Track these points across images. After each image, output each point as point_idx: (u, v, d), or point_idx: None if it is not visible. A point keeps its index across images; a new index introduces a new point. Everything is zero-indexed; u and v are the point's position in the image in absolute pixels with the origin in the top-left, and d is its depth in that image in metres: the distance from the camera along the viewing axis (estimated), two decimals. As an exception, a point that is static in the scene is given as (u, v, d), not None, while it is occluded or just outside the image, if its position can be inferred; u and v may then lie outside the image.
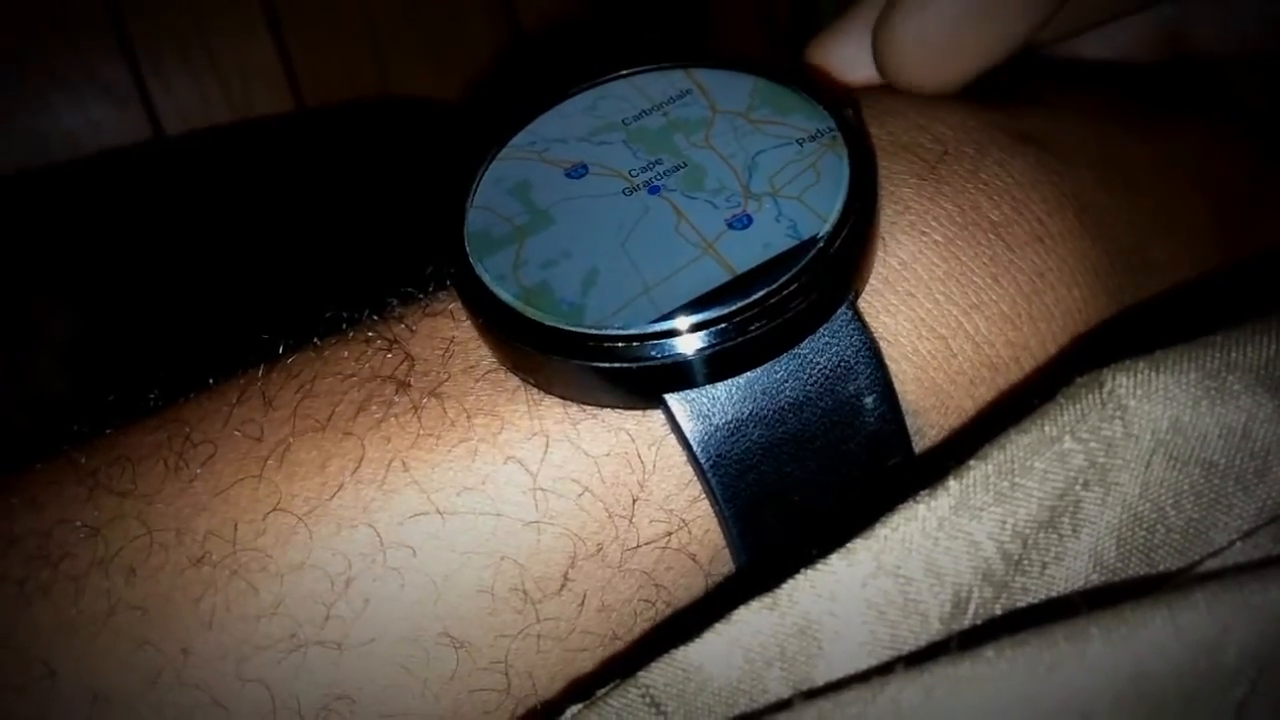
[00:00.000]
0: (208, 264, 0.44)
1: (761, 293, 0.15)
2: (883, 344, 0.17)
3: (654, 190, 0.17)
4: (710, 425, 0.16)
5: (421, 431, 0.16)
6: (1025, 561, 0.15)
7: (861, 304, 0.17)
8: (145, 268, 0.44)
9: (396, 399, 0.16)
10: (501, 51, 0.63)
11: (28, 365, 0.40)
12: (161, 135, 0.58)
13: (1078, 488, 0.15)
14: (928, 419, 0.17)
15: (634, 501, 0.16)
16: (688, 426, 0.16)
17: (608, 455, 0.16)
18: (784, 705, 0.14)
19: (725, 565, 0.17)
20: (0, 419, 0.38)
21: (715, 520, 0.17)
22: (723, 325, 0.15)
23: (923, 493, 0.15)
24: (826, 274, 0.16)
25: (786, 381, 0.16)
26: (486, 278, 0.16)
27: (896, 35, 0.20)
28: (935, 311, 0.17)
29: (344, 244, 0.42)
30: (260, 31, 0.59)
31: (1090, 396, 0.15)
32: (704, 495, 0.16)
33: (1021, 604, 0.15)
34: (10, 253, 0.45)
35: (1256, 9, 0.23)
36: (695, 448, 0.16)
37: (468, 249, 0.17)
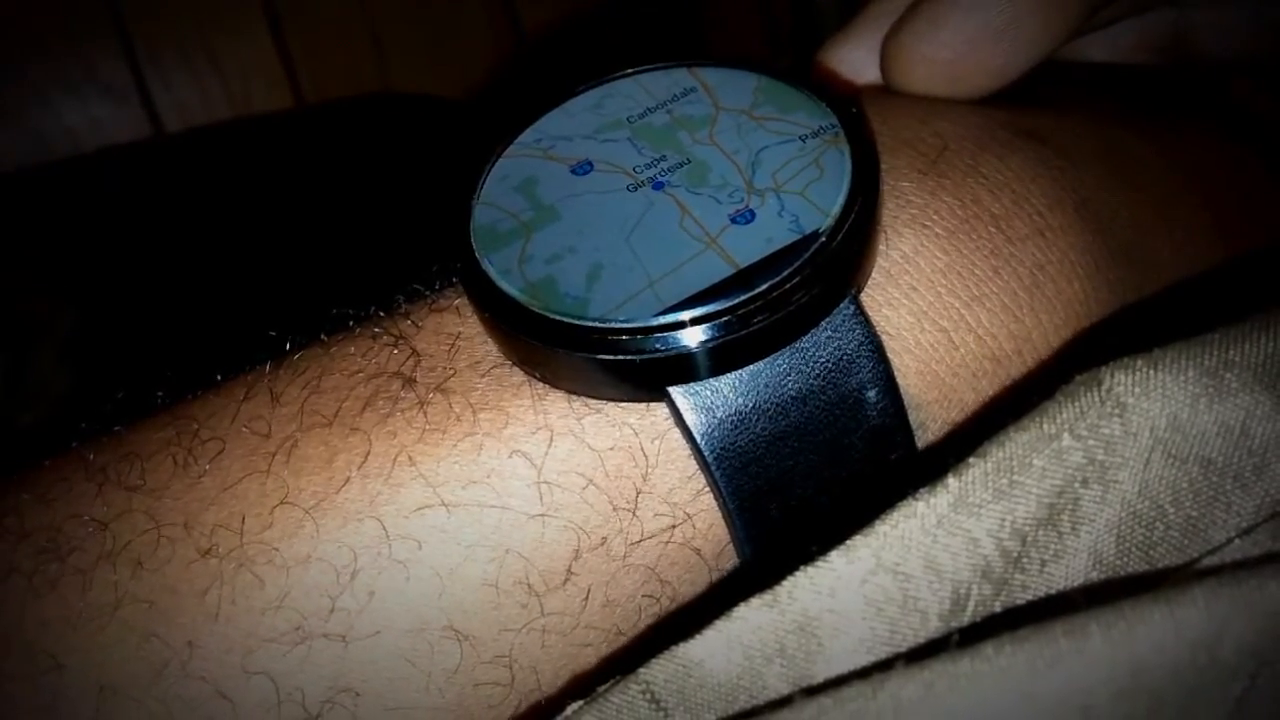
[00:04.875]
0: (209, 261, 0.44)
1: (764, 286, 0.16)
2: (885, 337, 0.17)
3: (658, 186, 0.17)
4: (713, 418, 0.16)
5: (427, 426, 0.16)
6: (1024, 559, 0.15)
7: (864, 297, 0.17)
8: (146, 265, 0.44)
9: (402, 394, 0.17)
10: (502, 50, 0.63)
11: (29, 362, 0.40)
12: (161, 133, 0.58)
13: (1077, 485, 0.15)
14: (930, 412, 0.17)
15: (637, 494, 0.16)
16: (691, 419, 0.16)
17: (612, 449, 0.16)
18: (784, 702, 0.14)
19: (729, 560, 0.17)
20: (2, 416, 0.38)
21: (719, 514, 0.17)
22: (726, 318, 0.15)
23: (922, 490, 0.15)
24: (829, 268, 0.16)
25: (789, 375, 0.16)
26: (492, 272, 0.17)
27: (905, 54, 0.20)
28: (937, 304, 0.17)
29: (348, 241, 0.42)
30: (260, 30, 0.59)
31: (1089, 394, 0.15)
32: (707, 488, 0.17)
33: (1021, 601, 0.15)
34: (11, 250, 0.45)
35: (1255, 13, 0.24)
36: (699, 440, 0.16)
37: (473, 244, 0.17)
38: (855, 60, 0.22)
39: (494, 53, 0.63)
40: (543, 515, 0.16)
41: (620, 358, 0.15)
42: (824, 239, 0.16)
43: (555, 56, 0.62)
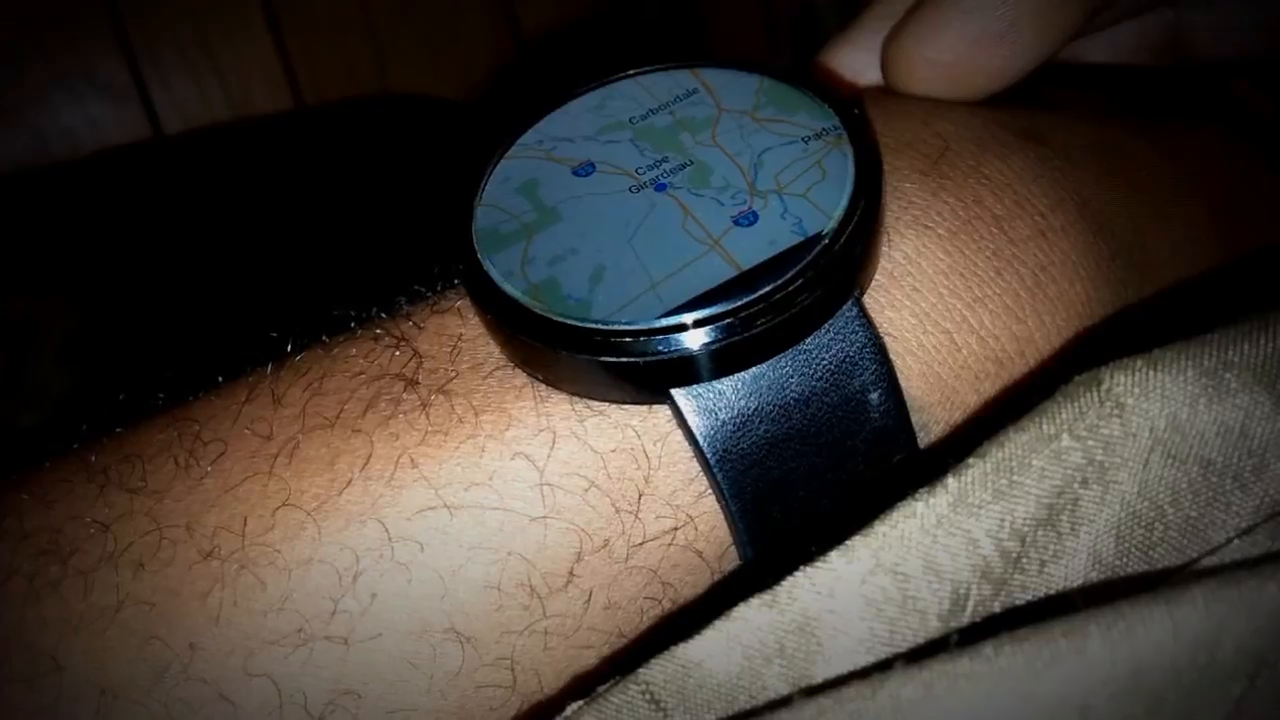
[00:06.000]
0: (209, 262, 0.44)
1: (767, 288, 0.16)
2: (887, 339, 0.17)
3: (660, 188, 0.17)
4: (716, 420, 0.16)
5: (429, 428, 0.16)
6: (1024, 559, 0.15)
7: (866, 299, 0.17)
8: (145, 266, 0.44)
9: (405, 396, 0.17)
10: (501, 51, 0.63)
11: (28, 363, 0.40)
12: (160, 133, 0.58)
13: (1076, 485, 0.15)
14: (933, 414, 0.17)
15: (640, 497, 0.16)
16: (694, 422, 0.16)
17: (614, 451, 0.16)
18: (784, 702, 0.14)
19: (731, 562, 0.17)
20: (2, 417, 0.38)
21: (721, 516, 0.17)
22: (728, 321, 0.15)
23: (921, 490, 0.15)
24: (832, 270, 0.16)
25: (792, 377, 0.16)
26: (494, 274, 0.17)
27: (906, 56, 0.20)
28: (939, 306, 0.17)
29: (350, 242, 0.42)
30: (258, 30, 0.59)
31: (1088, 395, 0.15)
32: (710, 491, 0.17)
33: (1020, 602, 0.15)
34: (9, 250, 0.45)
35: (1254, 13, 0.24)
36: (701, 443, 0.16)
37: (476, 246, 0.17)
38: (856, 62, 0.22)
39: (494, 53, 0.63)
40: (545, 517, 0.16)
41: (623, 360, 0.15)
42: (827, 241, 0.16)
43: (555, 57, 0.62)
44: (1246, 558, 0.15)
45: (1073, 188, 0.19)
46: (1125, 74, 0.24)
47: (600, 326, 0.16)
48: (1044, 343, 0.18)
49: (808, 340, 0.16)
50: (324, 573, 0.16)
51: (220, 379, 0.18)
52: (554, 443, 0.16)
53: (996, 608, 0.15)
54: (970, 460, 0.15)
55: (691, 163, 0.18)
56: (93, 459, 0.17)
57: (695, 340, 0.15)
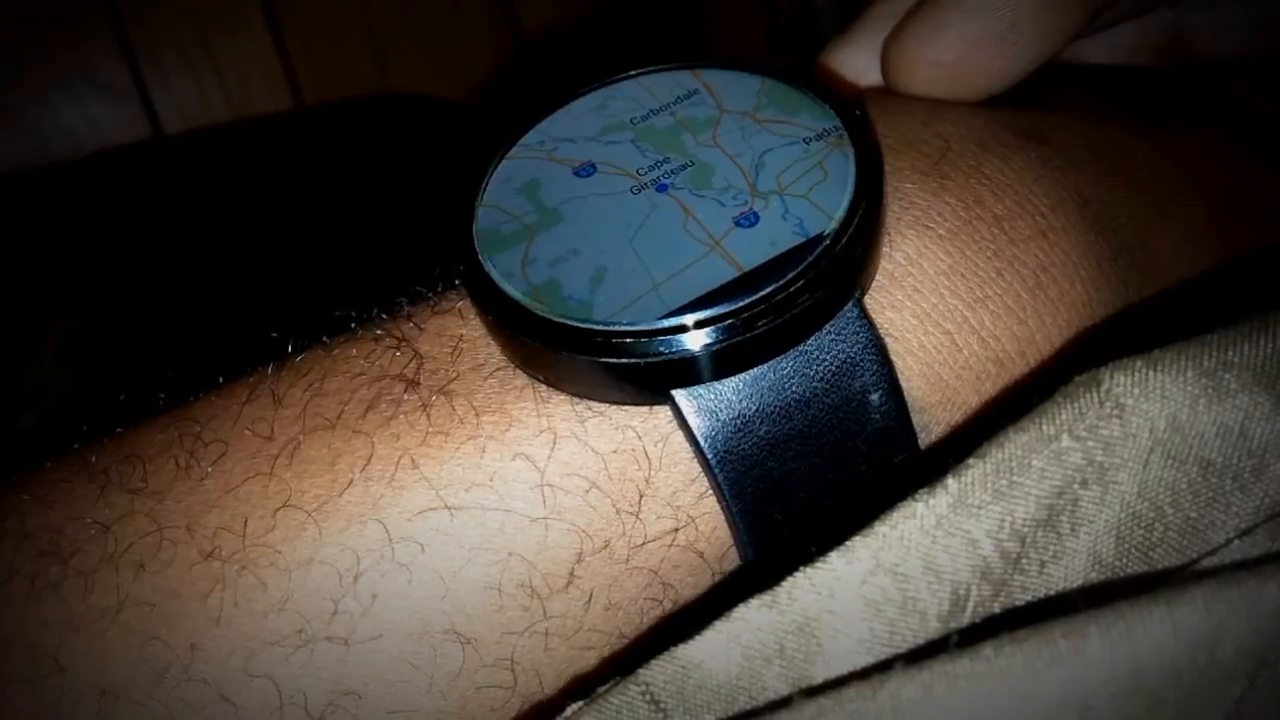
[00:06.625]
0: (209, 262, 0.44)
1: (768, 289, 0.16)
2: (888, 340, 0.17)
3: (662, 188, 0.17)
4: (717, 421, 0.16)
5: (430, 429, 0.16)
6: (1024, 560, 0.15)
7: (867, 300, 0.17)
8: (145, 266, 0.44)
9: (405, 397, 0.17)
10: (501, 51, 0.63)
11: (28, 363, 0.40)
12: (160, 133, 0.58)
13: (1076, 486, 0.15)
14: (933, 415, 0.17)
15: (641, 498, 0.16)
16: (694, 422, 0.16)
17: (615, 452, 0.16)
18: (784, 703, 0.14)
19: (732, 563, 0.17)
20: (2, 417, 0.38)
21: (722, 517, 0.17)
22: (729, 322, 0.15)
23: (921, 491, 0.15)
24: (833, 271, 0.16)
25: (793, 378, 0.16)
26: (495, 275, 0.17)
27: (907, 57, 0.20)
28: (940, 306, 0.17)
29: (350, 243, 0.42)
30: (258, 30, 0.59)
31: (1088, 395, 0.15)
32: (710, 491, 0.17)
33: (1020, 602, 0.15)
34: (9, 251, 0.45)
35: (1254, 13, 0.24)
36: (702, 444, 0.16)
37: (476, 247, 0.17)
38: (857, 62, 0.22)
39: (494, 53, 0.63)
40: (545, 518, 0.16)
41: (624, 361, 0.15)
42: (828, 242, 0.16)
43: (555, 57, 0.62)
44: (1246, 558, 0.15)
45: (1074, 188, 0.19)
46: (1125, 74, 0.24)
47: (601, 328, 0.16)
48: (1045, 343, 0.18)
49: (809, 341, 0.16)
50: (325, 573, 0.16)
51: (221, 379, 0.18)
52: (555, 444, 0.16)
53: (996, 608, 0.15)
54: (970, 461, 0.15)
55: (693, 163, 0.18)
56: (93, 459, 0.17)
57: (696, 341, 0.15)
